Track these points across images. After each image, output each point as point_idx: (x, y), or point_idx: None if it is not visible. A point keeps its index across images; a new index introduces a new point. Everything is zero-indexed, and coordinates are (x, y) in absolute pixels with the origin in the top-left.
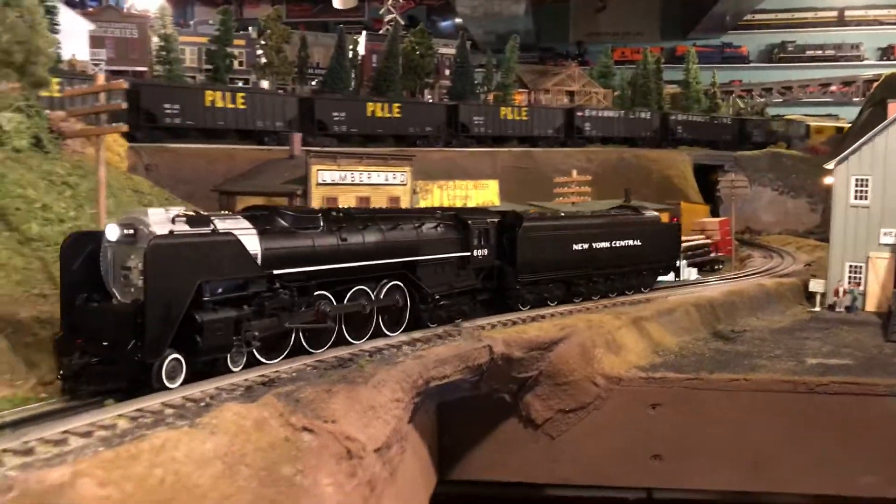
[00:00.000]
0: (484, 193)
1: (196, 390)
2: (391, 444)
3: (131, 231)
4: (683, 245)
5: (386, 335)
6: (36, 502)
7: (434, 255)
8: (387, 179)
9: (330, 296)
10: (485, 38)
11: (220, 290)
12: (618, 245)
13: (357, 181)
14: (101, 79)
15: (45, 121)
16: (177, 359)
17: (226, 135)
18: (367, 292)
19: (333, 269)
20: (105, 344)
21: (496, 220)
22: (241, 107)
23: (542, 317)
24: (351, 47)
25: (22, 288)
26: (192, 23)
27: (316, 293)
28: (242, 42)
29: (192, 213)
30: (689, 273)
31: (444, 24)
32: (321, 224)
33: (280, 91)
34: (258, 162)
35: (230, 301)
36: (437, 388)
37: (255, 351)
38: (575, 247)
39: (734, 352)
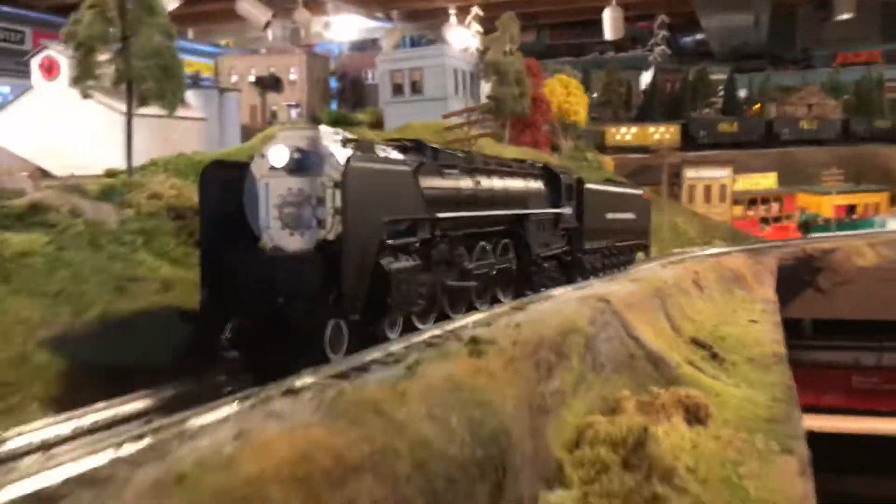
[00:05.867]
0: (768, 181)
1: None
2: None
3: (299, 156)
4: None
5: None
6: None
7: (539, 209)
8: (720, 174)
9: (464, 250)
10: (720, 49)
11: (395, 234)
12: (625, 217)
13: (704, 176)
14: None
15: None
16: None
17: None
18: (488, 249)
19: (483, 216)
20: (281, 301)
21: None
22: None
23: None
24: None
25: None
26: None
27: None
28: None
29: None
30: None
31: (685, 40)
32: (459, 164)
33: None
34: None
35: (400, 248)
36: (780, 267)
37: (412, 314)
38: (608, 215)
39: None
